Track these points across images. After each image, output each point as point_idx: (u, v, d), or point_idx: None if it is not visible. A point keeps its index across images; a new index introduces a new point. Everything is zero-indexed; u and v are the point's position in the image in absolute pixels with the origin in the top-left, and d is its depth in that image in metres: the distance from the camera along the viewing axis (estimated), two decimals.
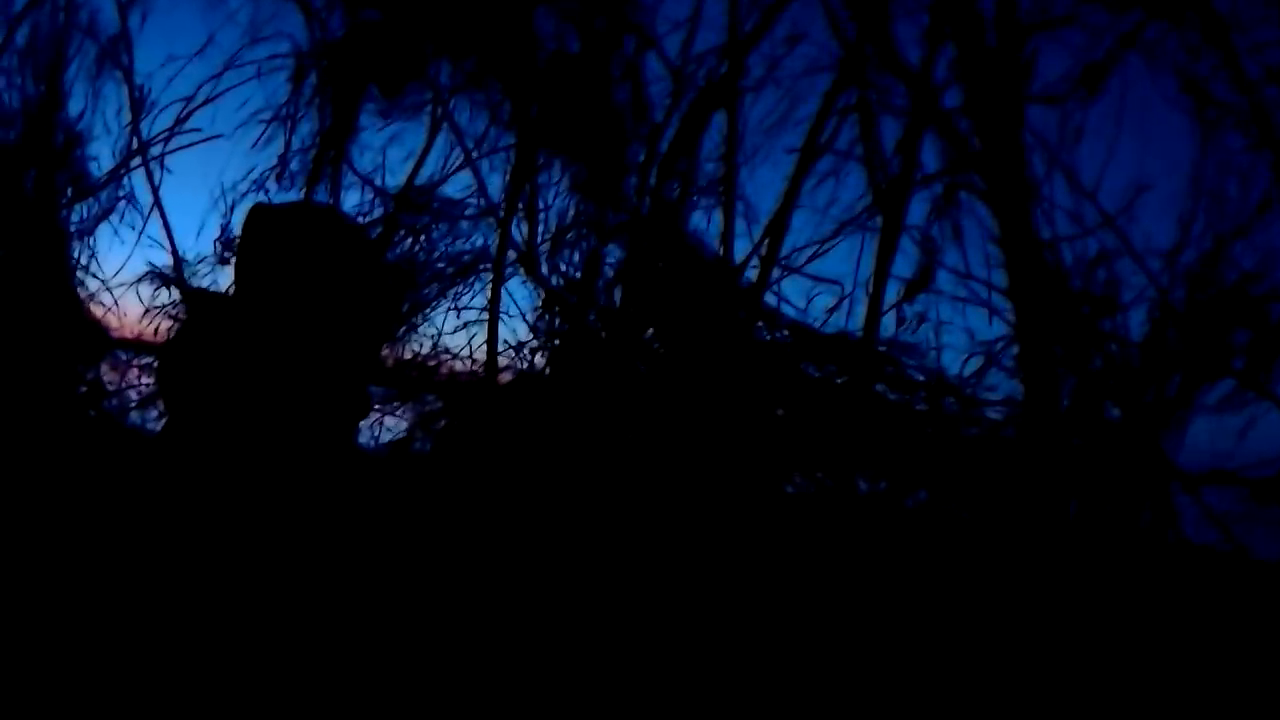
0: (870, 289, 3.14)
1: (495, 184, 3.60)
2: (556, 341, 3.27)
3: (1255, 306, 3.33)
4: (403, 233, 3.61)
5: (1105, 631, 2.77)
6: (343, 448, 1.82)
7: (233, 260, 3.89)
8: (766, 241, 3.11)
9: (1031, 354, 2.94)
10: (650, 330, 3.28)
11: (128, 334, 3.95)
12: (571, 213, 3.31)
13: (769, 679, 2.50)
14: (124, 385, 3.96)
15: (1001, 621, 2.85)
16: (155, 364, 3.77)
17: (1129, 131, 3.33)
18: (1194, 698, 2.53)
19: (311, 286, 1.68)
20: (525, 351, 3.52)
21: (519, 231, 3.49)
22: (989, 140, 2.91)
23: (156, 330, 3.91)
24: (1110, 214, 3.24)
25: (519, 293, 3.60)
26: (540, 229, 3.39)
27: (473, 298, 3.60)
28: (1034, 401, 2.98)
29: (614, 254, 3.33)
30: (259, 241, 1.80)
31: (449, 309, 3.62)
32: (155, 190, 3.93)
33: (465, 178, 3.72)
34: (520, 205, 3.51)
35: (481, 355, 3.60)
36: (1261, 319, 3.33)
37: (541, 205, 3.40)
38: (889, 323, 3.18)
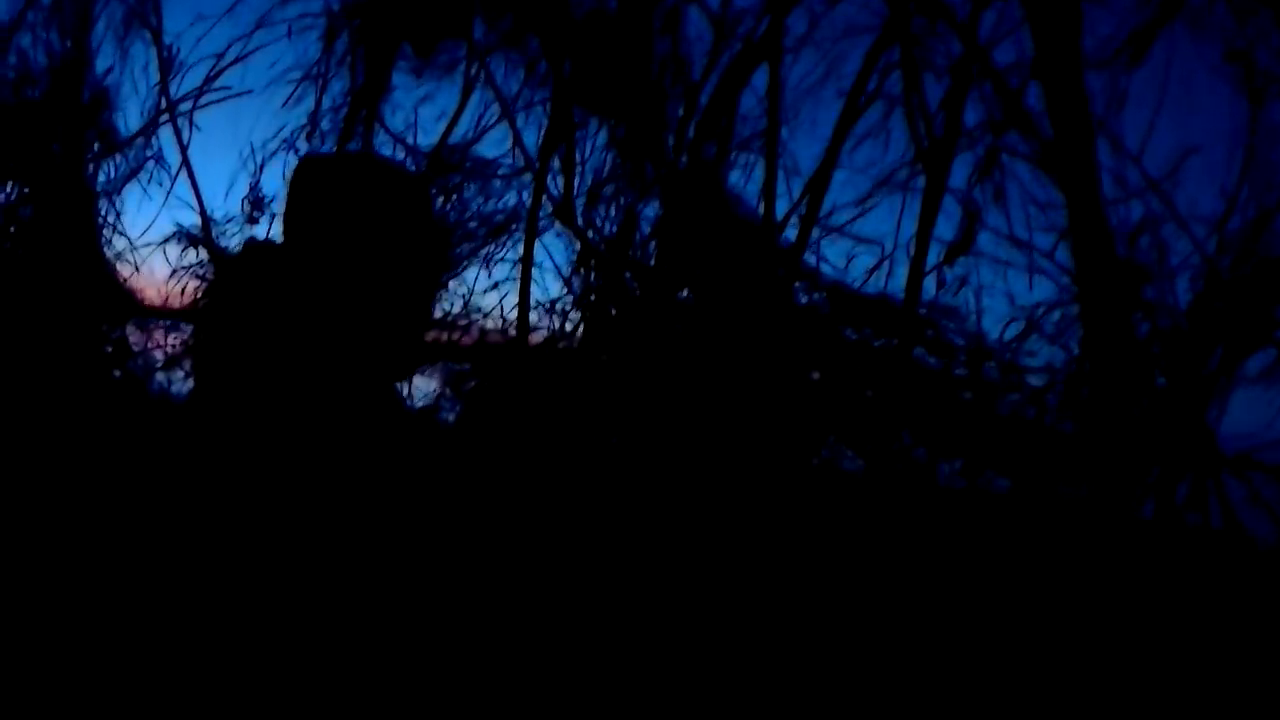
0: (911, 251, 3.09)
1: (530, 141, 3.56)
2: (591, 297, 3.22)
3: None
4: (435, 192, 3.57)
5: (1138, 614, 2.72)
6: (390, 404, 1.76)
7: (260, 218, 3.90)
8: (807, 199, 3.06)
9: (1090, 320, 2.88)
10: (686, 288, 3.24)
11: (154, 295, 3.93)
12: (609, 167, 3.26)
13: (802, 653, 2.47)
14: (149, 346, 3.94)
15: (1034, 600, 2.81)
16: (195, 316, 3.75)
17: (1173, 100, 3.28)
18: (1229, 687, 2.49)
19: (368, 235, 1.63)
20: (558, 310, 3.49)
21: (555, 186, 3.45)
22: (1051, 97, 2.84)
23: (183, 291, 3.90)
24: (1155, 180, 3.20)
25: (553, 250, 3.57)
26: (577, 184, 3.33)
27: (504, 254, 3.56)
28: (1090, 369, 2.92)
29: (650, 211, 3.29)
30: (312, 190, 1.74)
31: (480, 269, 3.59)
32: (184, 149, 3.90)
33: (498, 137, 3.69)
34: (557, 160, 3.46)
35: (513, 316, 3.56)
36: None
37: (578, 160, 3.35)
38: (929, 286, 3.14)
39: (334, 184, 1.74)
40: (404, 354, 1.71)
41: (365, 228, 1.64)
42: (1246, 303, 3.26)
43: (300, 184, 1.75)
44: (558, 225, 3.53)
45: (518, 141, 3.40)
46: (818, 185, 3.07)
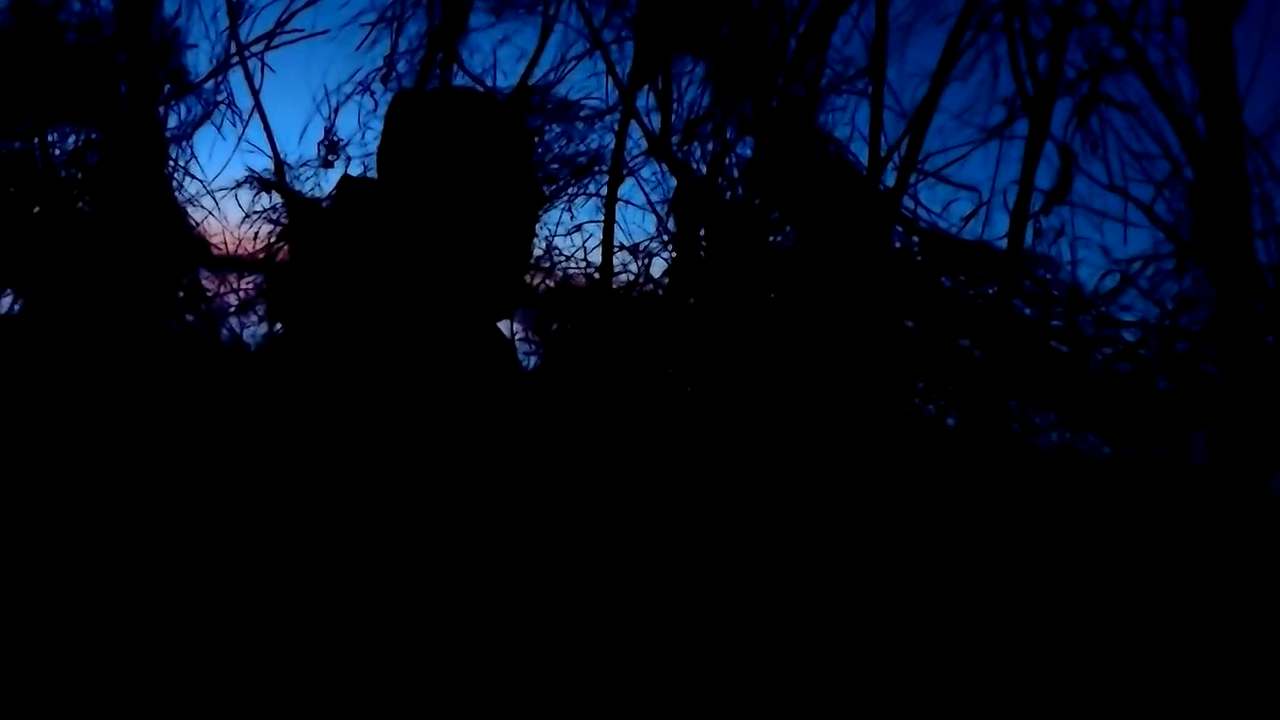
0: (1010, 198, 3.04)
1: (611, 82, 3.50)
2: (690, 236, 3.18)
3: None
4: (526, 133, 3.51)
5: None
6: (497, 344, 1.71)
7: (335, 161, 3.85)
8: (907, 141, 3.01)
9: (1219, 277, 2.83)
10: (779, 230, 3.20)
11: (227, 239, 3.90)
12: (702, 105, 3.20)
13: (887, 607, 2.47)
14: (222, 290, 3.91)
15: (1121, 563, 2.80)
16: (279, 258, 3.72)
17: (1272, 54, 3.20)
18: None
19: (473, 171, 1.57)
20: (642, 252, 3.46)
21: (638, 122, 3.39)
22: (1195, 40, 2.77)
23: (256, 235, 3.87)
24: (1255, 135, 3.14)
25: (635, 193, 3.53)
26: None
27: (586, 195, 3.52)
28: (1203, 328, 2.89)
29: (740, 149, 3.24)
30: (414, 125, 1.67)
31: (564, 211, 3.55)
32: (255, 93, 3.85)
33: (578, 79, 3.63)
34: (649, 94, 3.40)
35: (596, 258, 3.54)
36: None
37: (664, 92, 3.29)
38: (1028, 237, 3.09)
39: (437, 119, 1.68)
40: (507, 293, 1.65)
41: (470, 163, 1.58)
42: None
43: (400, 119, 1.67)
44: (639, 167, 3.49)
45: (611, 72, 3.33)
46: (917, 127, 3.01)
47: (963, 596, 2.58)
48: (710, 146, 3.21)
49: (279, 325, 3.59)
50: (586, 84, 3.63)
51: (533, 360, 3.51)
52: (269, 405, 1.48)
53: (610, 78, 3.42)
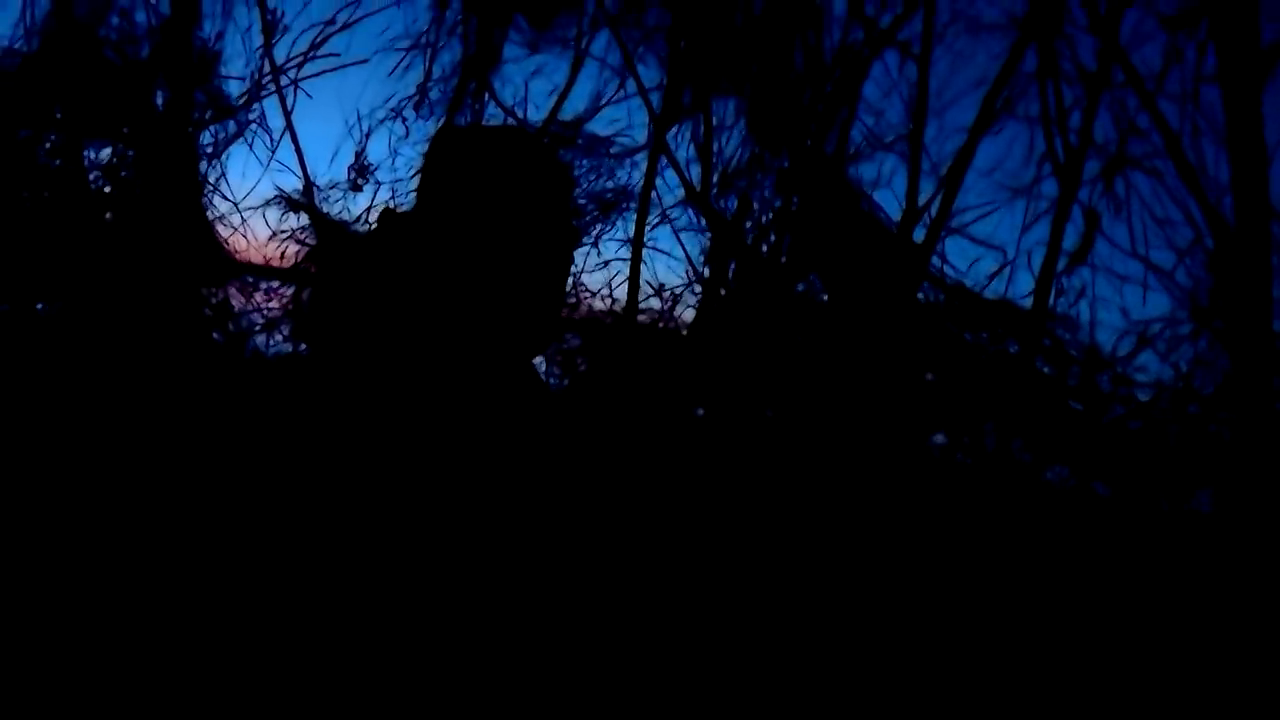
0: (1038, 258, 3.11)
1: (642, 119, 3.55)
2: (718, 283, 3.24)
3: None
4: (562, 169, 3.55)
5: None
6: (530, 382, 1.76)
7: (364, 185, 3.89)
8: (939, 200, 3.08)
9: (1234, 336, 2.91)
10: (805, 280, 3.26)
11: (255, 257, 3.93)
12: (740, 154, 3.25)
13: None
14: (250, 308, 3.95)
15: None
16: (311, 282, 3.76)
17: None
18: None
19: (515, 209, 1.62)
20: (668, 293, 3.51)
21: (676, 170, 3.44)
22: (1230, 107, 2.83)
23: (283, 255, 3.91)
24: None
25: (664, 232, 3.58)
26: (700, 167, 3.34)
27: (613, 232, 3.57)
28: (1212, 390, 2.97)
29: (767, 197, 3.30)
30: (458, 162, 1.72)
31: (590, 247, 3.60)
32: (288, 115, 3.88)
33: (611, 114, 3.67)
34: (684, 141, 3.45)
35: (621, 295, 3.59)
36: None
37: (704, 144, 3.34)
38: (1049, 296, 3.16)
39: (478, 157, 1.73)
40: (542, 330, 1.70)
41: (510, 202, 1.63)
42: None
43: (442, 155, 1.72)
44: (667, 206, 3.54)
45: (648, 108, 3.37)
46: (951, 184, 3.07)
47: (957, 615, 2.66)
48: (746, 193, 3.26)
49: (304, 345, 3.64)
50: (618, 119, 3.67)
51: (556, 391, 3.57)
52: (288, 422, 1.53)
53: (647, 113, 3.46)
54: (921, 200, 3.10)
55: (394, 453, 1.53)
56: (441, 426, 1.60)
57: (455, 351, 1.65)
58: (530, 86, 3.77)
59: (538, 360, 3.66)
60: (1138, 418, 3.15)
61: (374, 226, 3.56)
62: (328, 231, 3.84)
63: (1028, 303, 3.20)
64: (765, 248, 3.21)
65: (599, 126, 3.71)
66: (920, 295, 3.15)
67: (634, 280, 3.56)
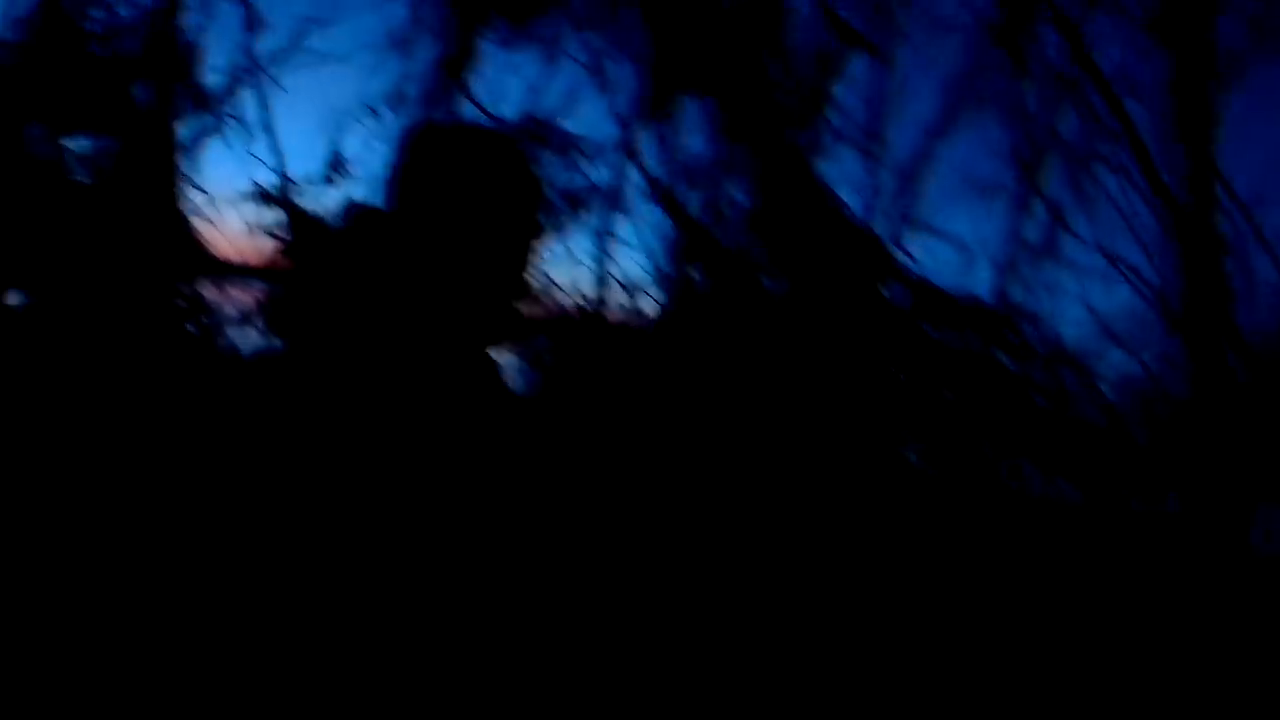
0: (998, 253, 3.11)
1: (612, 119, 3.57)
2: (685, 278, 3.24)
3: None
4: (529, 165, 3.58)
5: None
6: (488, 373, 1.75)
7: (339, 180, 3.92)
8: (899, 195, 3.09)
9: (1193, 334, 2.89)
10: (773, 276, 3.26)
11: (229, 251, 3.95)
12: (707, 151, 3.27)
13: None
14: (223, 302, 3.97)
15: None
16: (284, 277, 3.78)
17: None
18: None
19: (484, 205, 1.62)
20: (635, 288, 3.52)
21: (642, 169, 3.46)
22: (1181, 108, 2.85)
23: (258, 248, 3.94)
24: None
25: (633, 229, 3.59)
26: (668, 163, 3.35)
27: (581, 229, 3.58)
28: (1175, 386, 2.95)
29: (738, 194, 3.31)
30: (430, 158, 1.72)
31: (559, 244, 3.61)
32: (266, 110, 3.92)
33: (583, 113, 3.70)
34: (652, 138, 3.47)
35: (589, 292, 3.59)
36: None
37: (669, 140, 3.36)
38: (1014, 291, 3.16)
39: (449, 153, 1.73)
40: (502, 320, 1.69)
41: (477, 197, 1.63)
42: None
43: (414, 151, 1.73)
44: (637, 203, 3.56)
45: (623, 116, 3.39)
46: (911, 182, 3.09)
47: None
48: (711, 189, 3.27)
49: (277, 339, 3.64)
50: (591, 116, 3.70)
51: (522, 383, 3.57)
52: (260, 413, 1.53)
53: (619, 126, 3.49)
54: (888, 197, 3.11)
55: (356, 444, 1.52)
56: (401, 417, 1.60)
57: (418, 342, 1.66)
58: (506, 84, 3.82)
59: (509, 359, 3.68)
60: (1103, 413, 3.13)
61: (347, 221, 3.60)
62: (303, 226, 3.86)
63: (993, 299, 3.20)
64: (732, 245, 3.21)
65: (573, 125, 3.75)
66: (886, 292, 3.15)
67: (602, 276, 3.57)
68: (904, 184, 3.12)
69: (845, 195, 3.18)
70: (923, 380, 3.14)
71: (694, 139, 3.42)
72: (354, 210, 1.67)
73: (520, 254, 1.64)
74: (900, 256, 3.14)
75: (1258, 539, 3.02)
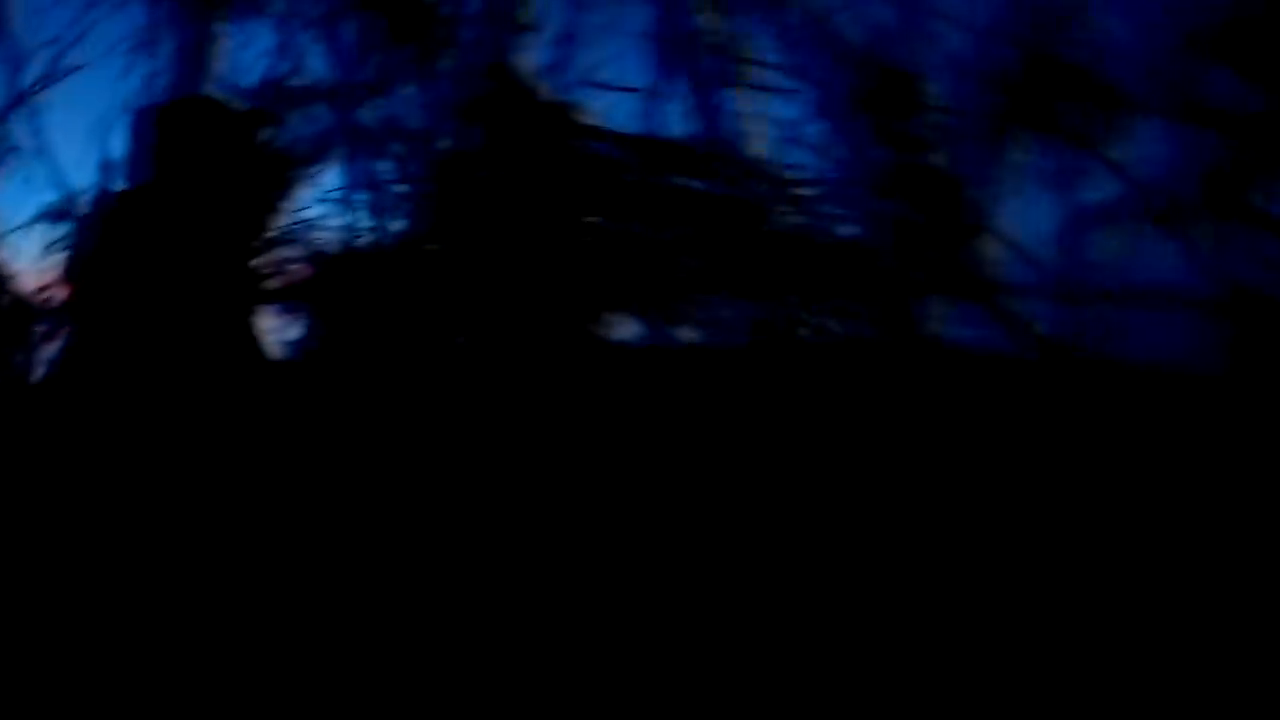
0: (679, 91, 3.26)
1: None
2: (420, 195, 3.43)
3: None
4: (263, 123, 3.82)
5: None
6: (249, 338, 1.89)
7: (116, 180, 4.16)
8: (563, 56, 3.26)
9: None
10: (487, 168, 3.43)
11: (30, 278, 4.17)
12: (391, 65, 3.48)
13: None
14: (26, 331, 4.15)
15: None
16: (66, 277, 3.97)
17: None
18: None
19: (208, 170, 1.78)
20: (384, 217, 3.71)
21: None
22: None
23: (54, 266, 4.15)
24: None
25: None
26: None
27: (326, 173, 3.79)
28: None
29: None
30: (151, 137, 1.90)
31: (309, 189, 3.82)
32: (38, 135, 4.18)
33: (316, 66, 3.96)
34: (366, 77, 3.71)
35: (341, 233, 3.80)
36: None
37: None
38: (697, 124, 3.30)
39: (168, 127, 1.91)
40: (251, 279, 1.84)
41: (209, 165, 1.80)
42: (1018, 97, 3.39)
43: (141, 135, 1.89)
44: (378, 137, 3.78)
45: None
46: (566, 41, 3.26)
47: None
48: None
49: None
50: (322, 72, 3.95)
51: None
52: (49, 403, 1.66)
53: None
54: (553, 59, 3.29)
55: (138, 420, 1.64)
56: (178, 393, 1.72)
57: (186, 313, 1.77)
58: (244, 56, 4.09)
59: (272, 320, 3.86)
60: (805, 214, 3.25)
61: (106, 211, 3.82)
62: (89, 229, 4.09)
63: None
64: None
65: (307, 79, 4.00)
66: (576, 146, 3.31)
67: (347, 213, 3.77)
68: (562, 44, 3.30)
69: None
70: (624, 221, 3.27)
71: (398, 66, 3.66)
72: (116, 196, 1.81)
73: (259, 215, 1.76)
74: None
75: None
